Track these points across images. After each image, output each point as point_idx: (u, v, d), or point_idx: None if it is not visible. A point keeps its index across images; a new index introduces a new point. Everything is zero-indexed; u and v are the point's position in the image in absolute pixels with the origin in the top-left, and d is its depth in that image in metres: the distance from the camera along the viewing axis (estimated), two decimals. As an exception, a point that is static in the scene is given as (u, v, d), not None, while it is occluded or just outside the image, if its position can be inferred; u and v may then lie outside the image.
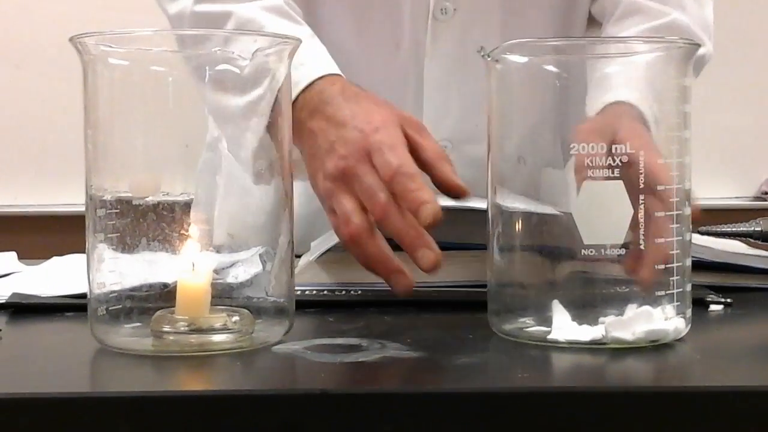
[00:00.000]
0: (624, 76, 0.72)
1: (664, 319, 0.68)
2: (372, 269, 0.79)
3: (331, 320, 0.77)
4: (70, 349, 0.71)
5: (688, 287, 0.70)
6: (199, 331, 0.68)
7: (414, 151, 0.82)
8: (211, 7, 0.97)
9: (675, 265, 0.69)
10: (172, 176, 0.70)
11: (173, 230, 0.69)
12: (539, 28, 1.08)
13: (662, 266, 0.68)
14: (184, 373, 0.64)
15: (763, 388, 0.58)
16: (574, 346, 0.67)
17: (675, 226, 0.69)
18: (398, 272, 0.78)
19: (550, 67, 0.70)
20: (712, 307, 0.81)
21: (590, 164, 0.67)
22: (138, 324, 0.69)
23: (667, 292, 0.69)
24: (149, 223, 0.68)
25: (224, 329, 0.68)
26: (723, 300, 0.82)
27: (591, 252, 0.67)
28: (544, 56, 0.70)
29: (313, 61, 0.91)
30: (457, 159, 0.88)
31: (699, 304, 0.81)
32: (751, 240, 0.95)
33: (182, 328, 0.68)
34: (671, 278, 0.69)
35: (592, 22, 1.14)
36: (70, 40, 0.68)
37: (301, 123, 0.86)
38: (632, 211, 0.67)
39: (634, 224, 0.68)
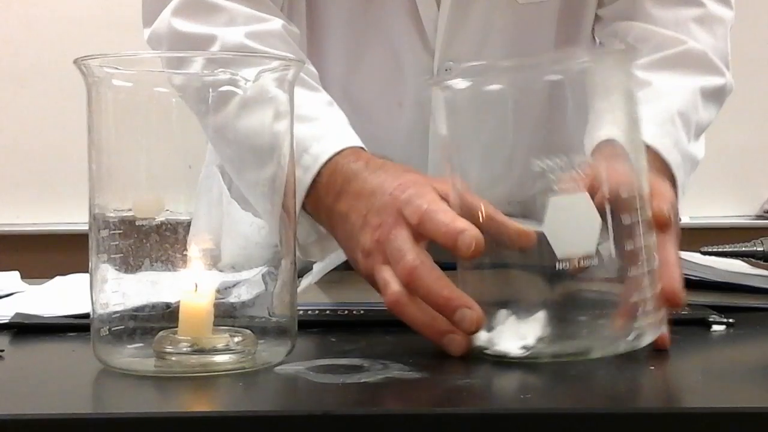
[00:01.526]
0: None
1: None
2: (421, 334, 0.72)
3: (334, 340, 0.77)
4: (72, 369, 0.71)
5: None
6: (202, 351, 0.68)
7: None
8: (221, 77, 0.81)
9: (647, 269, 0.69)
10: (175, 197, 0.70)
11: (176, 251, 0.69)
12: None
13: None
14: (186, 393, 0.64)
15: (765, 410, 0.58)
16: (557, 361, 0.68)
17: (642, 230, 0.69)
18: (447, 333, 0.71)
19: (497, 88, 0.69)
20: (714, 327, 0.81)
21: (556, 178, 0.66)
22: (140, 344, 0.69)
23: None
24: (152, 243, 0.69)
25: (227, 350, 0.68)
26: (725, 320, 0.82)
27: (565, 265, 0.67)
28: (491, 78, 0.69)
29: (332, 134, 0.86)
30: None
31: (701, 324, 0.82)
32: (753, 260, 0.95)
33: (185, 349, 0.68)
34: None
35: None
36: (74, 62, 0.68)
37: (329, 209, 0.82)
38: (600, 221, 0.67)
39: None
